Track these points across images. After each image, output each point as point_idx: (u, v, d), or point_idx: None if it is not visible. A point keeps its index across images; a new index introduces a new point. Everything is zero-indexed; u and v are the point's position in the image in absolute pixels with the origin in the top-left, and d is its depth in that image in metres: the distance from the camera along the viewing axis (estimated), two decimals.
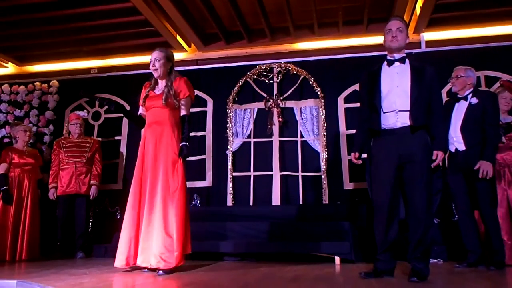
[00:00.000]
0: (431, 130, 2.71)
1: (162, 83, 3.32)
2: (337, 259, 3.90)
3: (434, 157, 2.65)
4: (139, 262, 3.05)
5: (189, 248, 3.13)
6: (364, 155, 2.94)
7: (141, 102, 3.35)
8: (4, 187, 4.62)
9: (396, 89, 2.73)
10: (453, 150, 3.58)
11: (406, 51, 2.88)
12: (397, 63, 2.80)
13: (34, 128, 5.67)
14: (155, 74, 3.30)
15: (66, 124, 5.57)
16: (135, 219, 3.13)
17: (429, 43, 5.10)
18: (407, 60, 2.80)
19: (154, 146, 3.17)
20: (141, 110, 3.41)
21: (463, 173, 3.51)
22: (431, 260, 3.12)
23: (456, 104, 3.63)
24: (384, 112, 2.74)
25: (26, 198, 4.71)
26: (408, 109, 2.68)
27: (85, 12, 4.87)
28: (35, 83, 5.92)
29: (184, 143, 3.18)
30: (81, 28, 5.23)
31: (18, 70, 6.20)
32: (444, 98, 4.62)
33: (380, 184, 2.73)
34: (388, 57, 2.85)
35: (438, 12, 4.71)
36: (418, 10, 4.74)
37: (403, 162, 2.68)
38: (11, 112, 5.89)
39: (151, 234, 3.03)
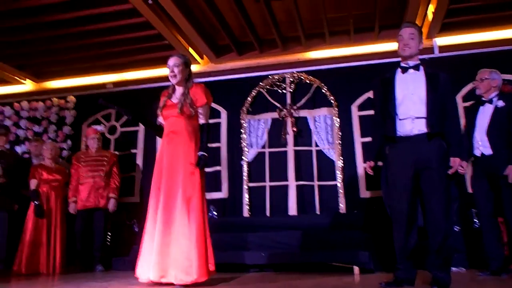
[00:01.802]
0: (447, 137, 2.69)
1: (179, 91, 3.20)
2: (356, 269, 3.85)
3: (451, 164, 2.62)
4: (155, 277, 2.87)
5: (212, 265, 3.02)
6: (380, 163, 2.92)
7: (158, 111, 3.25)
8: (36, 202, 4.71)
9: (411, 96, 2.72)
10: (478, 154, 3.49)
11: (419, 56, 2.86)
12: (411, 70, 2.79)
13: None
14: (173, 81, 3.18)
15: (84, 139, 5.65)
16: (155, 231, 3.01)
17: (442, 48, 5.05)
18: (421, 67, 2.79)
19: (171, 157, 3.06)
20: (160, 120, 3.32)
21: (488, 178, 3.43)
22: (452, 268, 3.07)
23: (481, 108, 3.54)
24: (400, 119, 2.72)
25: (55, 213, 4.80)
26: (424, 116, 2.66)
27: (99, 28, 4.98)
28: (52, 99, 6.05)
29: (202, 152, 3.06)
30: (95, 44, 5.34)
31: (35, 87, 6.33)
32: (459, 103, 4.58)
33: (398, 192, 2.71)
34: (402, 64, 2.83)
35: (450, 17, 4.67)
36: (430, 15, 4.71)
37: (419, 169, 2.65)
38: (30, 128, 6.01)
39: (168, 247, 2.90)
